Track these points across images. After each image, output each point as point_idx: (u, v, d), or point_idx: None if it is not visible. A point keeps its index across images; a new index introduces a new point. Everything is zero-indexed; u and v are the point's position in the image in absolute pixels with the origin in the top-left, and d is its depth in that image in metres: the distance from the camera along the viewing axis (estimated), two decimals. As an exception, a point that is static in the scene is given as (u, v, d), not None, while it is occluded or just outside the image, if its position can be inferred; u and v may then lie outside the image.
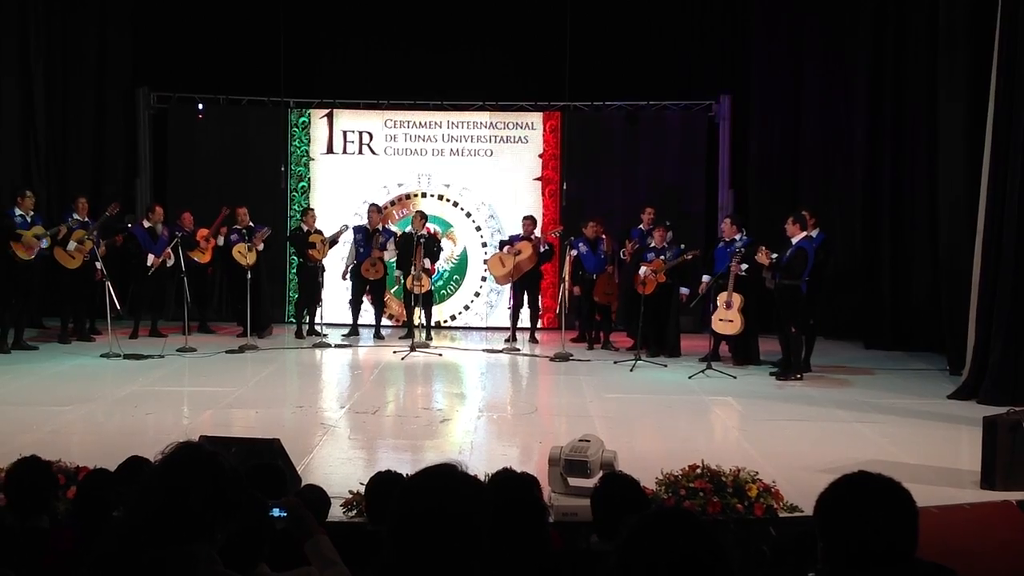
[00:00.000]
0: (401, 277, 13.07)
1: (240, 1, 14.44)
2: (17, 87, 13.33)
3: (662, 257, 11.59)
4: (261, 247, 12.76)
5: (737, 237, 11.39)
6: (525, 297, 12.97)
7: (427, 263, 12.79)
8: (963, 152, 10.62)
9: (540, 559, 3.58)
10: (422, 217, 13.13)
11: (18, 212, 11.42)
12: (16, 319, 11.51)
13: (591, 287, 12.41)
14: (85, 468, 5.42)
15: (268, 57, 14.22)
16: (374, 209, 13.49)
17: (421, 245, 12.54)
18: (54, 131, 14.01)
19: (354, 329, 13.29)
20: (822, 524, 2.44)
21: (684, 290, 11.10)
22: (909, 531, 2.39)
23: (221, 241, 12.99)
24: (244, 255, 12.44)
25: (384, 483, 4.24)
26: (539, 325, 13.29)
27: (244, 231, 12.80)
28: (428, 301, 13.23)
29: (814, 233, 11.02)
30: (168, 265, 12.59)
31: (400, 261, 13.08)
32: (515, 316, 12.98)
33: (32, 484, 4.04)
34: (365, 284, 13.17)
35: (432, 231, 13.34)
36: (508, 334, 12.82)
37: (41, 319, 12.71)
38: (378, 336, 13.21)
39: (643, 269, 11.65)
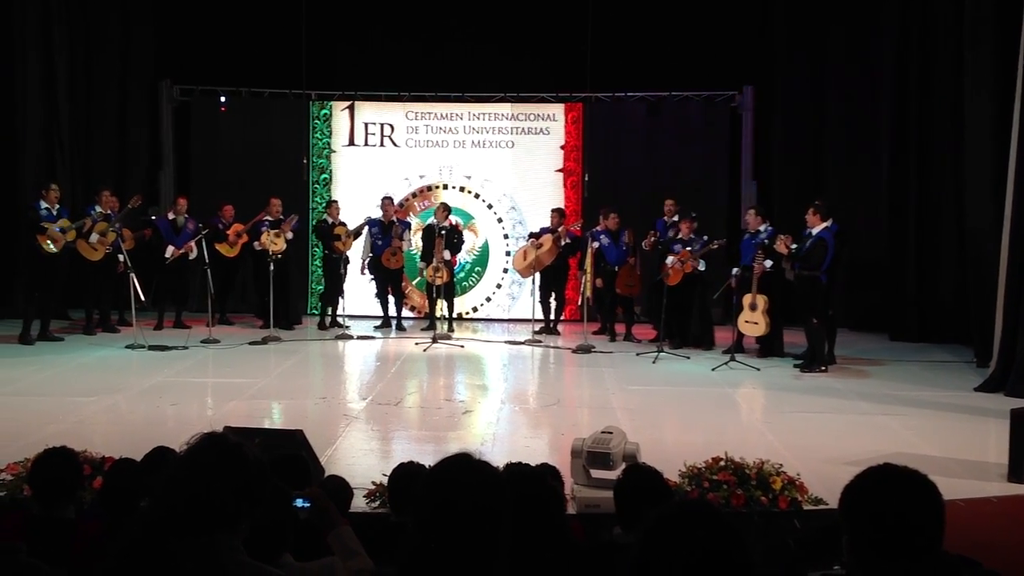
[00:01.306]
0: (424, 269, 13.08)
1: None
2: (41, 81, 13.42)
3: (689, 248, 11.54)
4: (290, 235, 12.81)
5: (762, 228, 11.32)
6: (553, 290, 13.00)
7: (447, 255, 12.79)
8: (989, 143, 10.51)
9: (562, 551, 3.58)
10: (445, 209, 13.13)
11: (43, 205, 11.50)
12: (41, 311, 11.59)
13: (613, 279, 12.39)
14: (111, 458, 5.45)
15: (290, 50, 14.29)
16: (388, 201, 13.52)
17: (442, 237, 12.56)
18: (78, 124, 14.09)
19: (386, 321, 13.32)
20: (847, 517, 2.42)
21: (768, 263, 10.88)
22: (935, 524, 2.37)
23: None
24: (272, 241, 12.45)
25: (407, 474, 4.25)
26: (562, 317, 13.29)
27: (274, 222, 12.85)
28: (450, 293, 13.23)
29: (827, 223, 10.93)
30: (190, 258, 12.67)
31: (424, 252, 13.12)
32: (546, 307, 12.99)
33: (58, 474, 4.06)
34: (387, 275, 13.19)
35: (454, 223, 13.33)
36: (533, 326, 12.74)
37: (67, 311, 12.79)
38: (399, 328, 13.22)
39: (670, 259, 11.61)
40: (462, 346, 11.88)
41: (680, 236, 11.78)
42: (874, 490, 2.40)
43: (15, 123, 13.17)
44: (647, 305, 12.47)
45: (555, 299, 13.15)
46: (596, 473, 5.65)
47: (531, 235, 13.23)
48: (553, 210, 13.31)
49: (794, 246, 10.35)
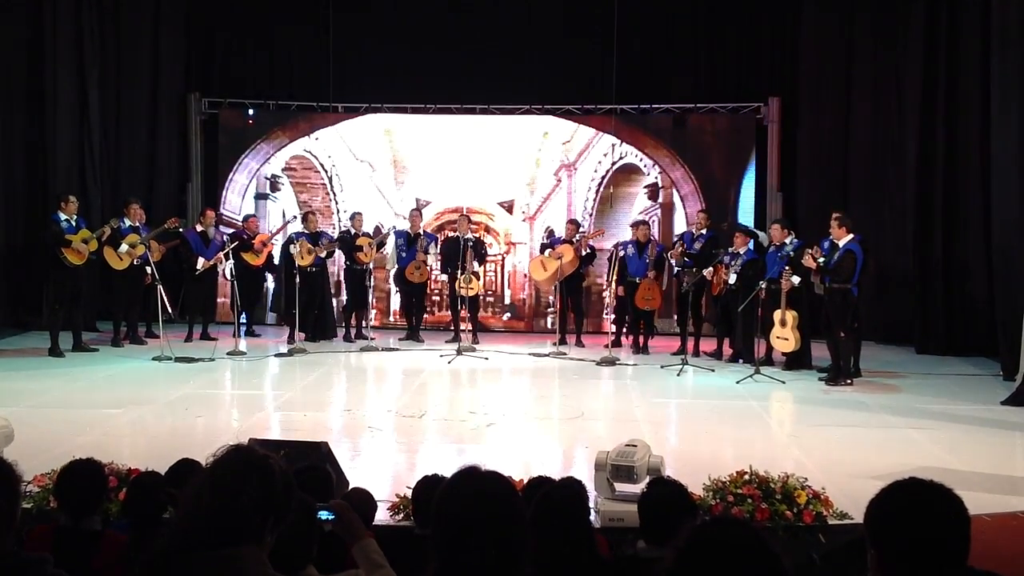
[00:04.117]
0: (448, 280, 13.11)
1: (289, 8, 14.58)
2: (72, 95, 13.56)
3: (728, 264, 11.53)
4: (323, 254, 12.88)
5: (787, 241, 11.28)
6: (569, 301, 12.99)
7: (476, 265, 12.85)
8: (1016, 153, 10.44)
9: (587, 565, 3.57)
10: (468, 220, 13.18)
11: (63, 217, 11.57)
12: (70, 323, 11.68)
13: (634, 291, 12.38)
14: (136, 470, 5.49)
15: (317, 63, 14.40)
16: (417, 213, 13.59)
17: (470, 248, 12.61)
18: (108, 137, 14.22)
19: (411, 332, 13.35)
20: (872, 531, 2.41)
21: (796, 279, 10.88)
22: (961, 538, 2.36)
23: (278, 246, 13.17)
24: (302, 256, 12.49)
25: (430, 487, 4.26)
26: (583, 329, 13.28)
27: (311, 235, 12.93)
28: (475, 305, 13.25)
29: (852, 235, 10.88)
30: (220, 269, 12.78)
31: (445, 264, 13.16)
32: (562, 320, 12.98)
33: (84, 486, 4.09)
34: (411, 289, 13.24)
35: (478, 234, 13.38)
36: (555, 338, 12.77)
37: (95, 323, 12.89)
38: (417, 339, 13.22)
39: (709, 270, 11.65)
40: (486, 358, 11.89)
41: (732, 249, 11.76)
42: (900, 504, 2.39)
43: (46, 136, 13.31)
44: (714, 316, 12.39)
45: (573, 310, 13.12)
46: (620, 486, 5.63)
47: (543, 246, 13.25)
48: (569, 221, 13.37)
49: (821, 259, 10.29)
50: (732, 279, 11.50)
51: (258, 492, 2.38)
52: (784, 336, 10.80)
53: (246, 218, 13.76)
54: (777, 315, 10.81)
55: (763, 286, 10.98)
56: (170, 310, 11.64)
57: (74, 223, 11.63)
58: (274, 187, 14.95)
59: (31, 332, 12.59)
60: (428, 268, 13.30)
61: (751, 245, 11.98)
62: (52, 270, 11.56)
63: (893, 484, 2.45)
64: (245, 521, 2.37)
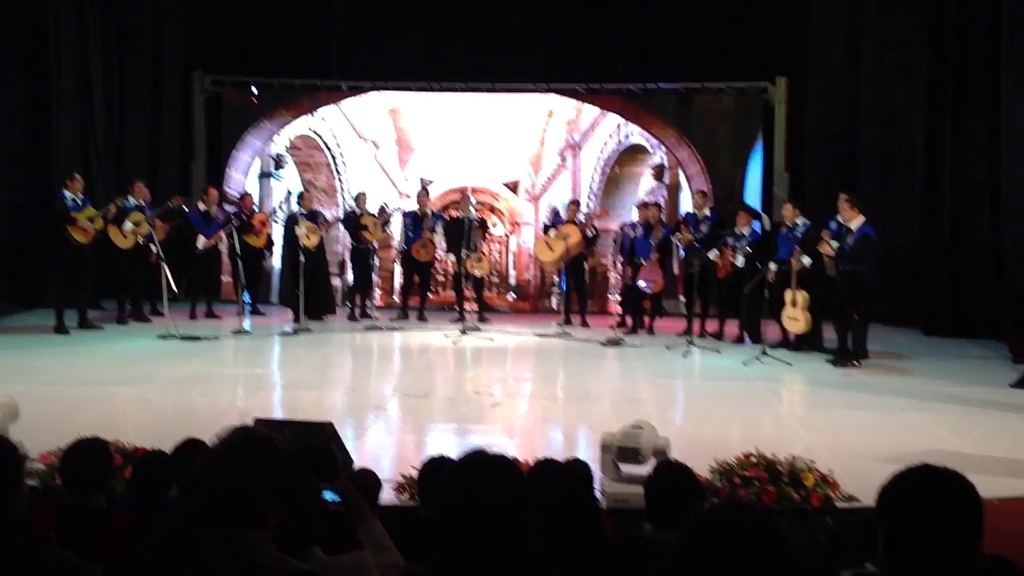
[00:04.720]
0: (454, 261, 13.08)
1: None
2: (75, 73, 13.51)
3: (735, 245, 11.50)
4: (325, 233, 12.89)
5: (799, 221, 11.23)
6: (572, 282, 12.97)
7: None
8: (1026, 134, 10.36)
9: (592, 548, 3.56)
10: (470, 200, 13.16)
11: (68, 195, 11.54)
12: (75, 301, 11.67)
13: (638, 272, 12.35)
14: (142, 448, 5.48)
15: (321, 39, 14.32)
16: (424, 193, 13.56)
17: (477, 227, 12.60)
18: (111, 115, 14.18)
19: (403, 312, 13.34)
20: (884, 517, 2.39)
21: (806, 260, 10.84)
22: (973, 525, 2.34)
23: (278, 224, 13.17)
24: (308, 236, 12.51)
25: (436, 468, 4.23)
26: (587, 309, 13.25)
27: (309, 214, 12.90)
28: (479, 285, 13.24)
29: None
30: (221, 248, 12.78)
31: (450, 245, 13.14)
32: (567, 301, 12.95)
33: (89, 465, 4.08)
34: (416, 267, 13.22)
35: (481, 213, 13.37)
36: (560, 318, 12.76)
37: (99, 301, 12.89)
38: (422, 319, 13.21)
39: (712, 253, 11.60)
40: (491, 338, 11.87)
41: (736, 229, 11.72)
42: (912, 491, 2.37)
43: (49, 115, 13.26)
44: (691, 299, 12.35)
45: (576, 290, 13.10)
46: (626, 468, 5.61)
47: (546, 227, 13.23)
48: (571, 202, 13.33)
49: (835, 244, 10.20)
50: (740, 261, 11.47)
51: (262, 474, 2.37)
52: (795, 316, 10.76)
53: (241, 196, 13.75)
54: (788, 295, 10.76)
55: (772, 268, 10.95)
56: (174, 288, 11.62)
57: (79, 201, 11.58)
58: (278, 166, 14.92)
59: (36, 310, 12.58)
60: (434, 247, 13.29)
61: (755, 225, 11.94)
62: (57, 248, 11.53)
63: (905, 470, 2.43)
64: (250, 502, 2.36)
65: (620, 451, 5.55)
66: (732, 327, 11.91)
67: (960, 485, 2.37)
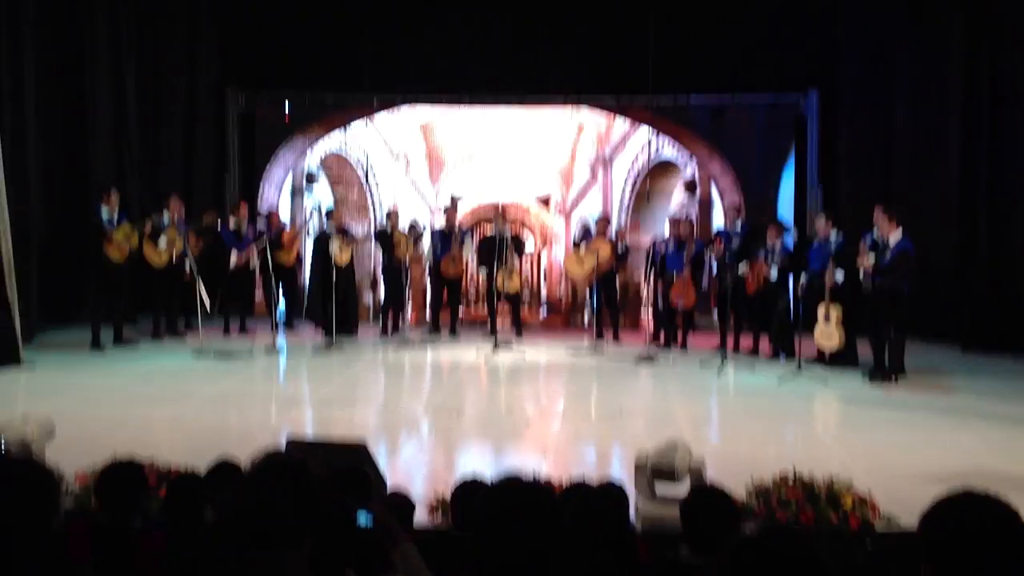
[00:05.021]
0: (484, 276, 13.11)
1: (325, 2, 14.56)
2: (110, 89, 13.66)
3: (768, 258, 11.42)
4: (355, 249, 12.98)
5: (832, 235, 11.13)
6: (604, 297, 12.92)
7: (515, 261, 12.88)
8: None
9: (628, 573, 3.51)
10: (504, 216, 13.17)
11: (104, 211, 11.63)
12: (109, 317, 11.76)
13: (670, 287, 12.30)
14: (176, 468, 5.48)
15: (352, 55, 14.39)
16: (452, 208, 13.61)
17: (511, 244, 12.61)
18: (146, 131, 14.33)
19: (434, 327, 13.35)
20: (928, 543, 2.34)
21: (840, 274, 10.65)
22: (1017, 552, 2.29)
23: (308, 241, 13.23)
24: (340, 253, 12.55)
25: (470, 491, 4.20)
26: (619, 325, 13.19)
27: (339, 230, 12.95)
28: (516, 302, 13.26)
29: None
30: (252, 265, 12.86)
31: (482, 261, 13.15)
32: (599, 316, 12.90)
33: (125, 486, 4.08)
34: (445, 282, 13.23)
35: (515, 230, 13.37)
36: (592, 334, 12.72)
37: (135, 317, 12.98)
38: (453, 334, 13.21)
39: (742, 268, 11.53)
40: (523, 355, 11.84)
41: (768, 244, 11.64)
42: (955, 517, 2.33)
43: (85, 131, 13.41)
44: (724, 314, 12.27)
45: (608, 306, 13.04)
46: (660, 488, 5.55)
47: (576, 242, 13.21)
48: (601, 217, 13.31)
49: (872, 257, 10.08)
50: (774, 274, 11.39)
51: (297, 497, 2.37)
52: (828, 332, 10.66)
53: (269, 214, 13.84)
54: (821, 310, 10.66)
55: (803, 282, 10.88)
56: (208, 304, 11.70)
57: (116, 218, 11.69)
58: (310, 181, 15.00)
59: (72, 326, 12.68)
60: (463, 262, 13.30)
61: (787, 239, 11.87)
62: (94, 265, 11.63)
63: (949, 495, 2.38)
64: (284, 526, 2.36)
65: (655, 470, 5.49)
66: (767, 343, 11.80)
67: (1004, 511, 2.33)
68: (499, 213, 13.33)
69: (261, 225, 13.55)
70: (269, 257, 12.31)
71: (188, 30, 14.64)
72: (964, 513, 2.34)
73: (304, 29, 14.63)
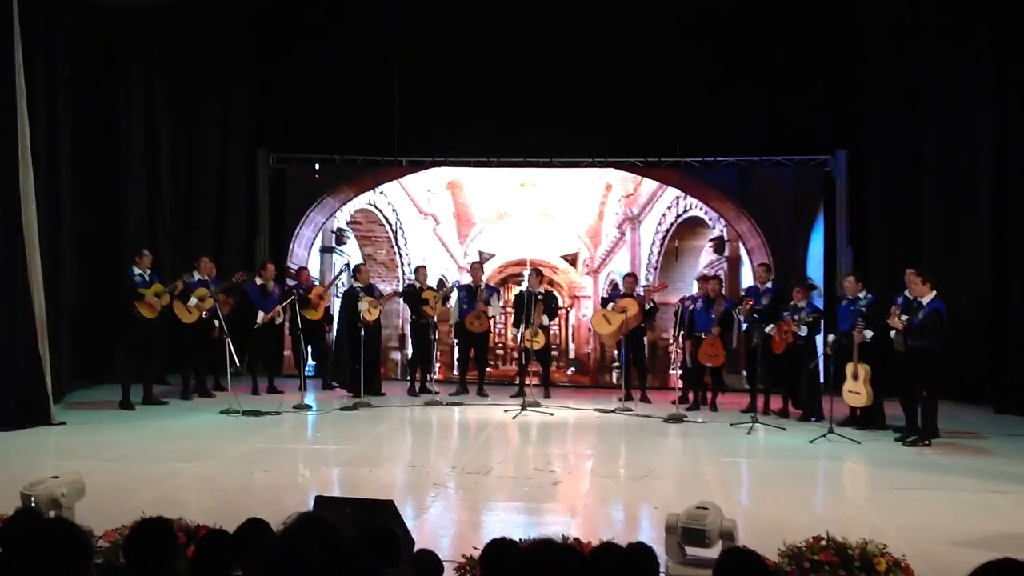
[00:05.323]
0: (517, 335, 13.15)
1: (355, 65, 14.78)
2: (143, 150, 13.89)
3: (795, 317, 11.39)
4: (382, 306, 13.06)
5: (861, 295, 11.10)
6: (632, 356, 12.88)
7: (545, 319, 12.89)
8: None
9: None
10: (538, 274, 13.23)
11: (136, 271, 11.78)
12: (142, 376, 11.85)
13: (698, 346, 12.25)
14: (204, 526, 5.48)
15: (383, 118, 14.58)
16: (478, 266, 13.69)
17: (541, 302, 12.64)
18: (178, 192, 14.53)
19: (463, 387, 13.34)
20: None
21: (868, 333, 10.65)
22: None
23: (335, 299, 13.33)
24: (369, 311, 12.61)
25: (499, 552, 4.17)
26: (647, 384, 13.12)
27: (365, 288, 13.02)
28: (547, 359, 13.26)
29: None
30: (277, 323, 12.95)
31: (516, 318, 13.20)
32: (627, 375, 12.85)
33: (154, 546, 4.08)
34: (471, 340, 13.24)
35: (548, 288, 13.42)
36: (620, 394, 12.65)
37: (165, 375, 13.06)
38: (481, 393, 13.20)
39: (770, 328, 11.50)
40: (551, 413, 11.80)
41: (792, 303, 11.62)
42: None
43: (118, 192, 13.62)
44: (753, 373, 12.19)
45: (635, 365, 12.99)
46: (691, 551, 5.49)
47: (604, 300, 13.23)
48: (627, 275, 13.35)
49: (905, 317, 10.04)
50: (803, 331, 11.34)
51: (328, 562, 2.36)
52: (856, 391, 10.58)
53: (298, 270, 13.97)
54: (849, 369, 10.59)
55: (832, 341, 10.86)
56: (237, 363, 11.78)
57: (147, 277, 11.82)
58: (340, 240, 15.13)
59: (103, 385, 12.78)
60: (489, 319, 13.32)
61: (815, 299, 11.86)
62: (125, 323, 11.75)
63: (987, 564, 2.34)
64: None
65: (685, 532, 5.43)
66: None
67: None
68: (532, 271, 13.39)
69: (290, 281, 13.66)
70: (298, 314, 12.39)
71: (221, 92, 14.88)
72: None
73: (335, 92, 14.84)
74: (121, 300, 11.74)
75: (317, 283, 13.92)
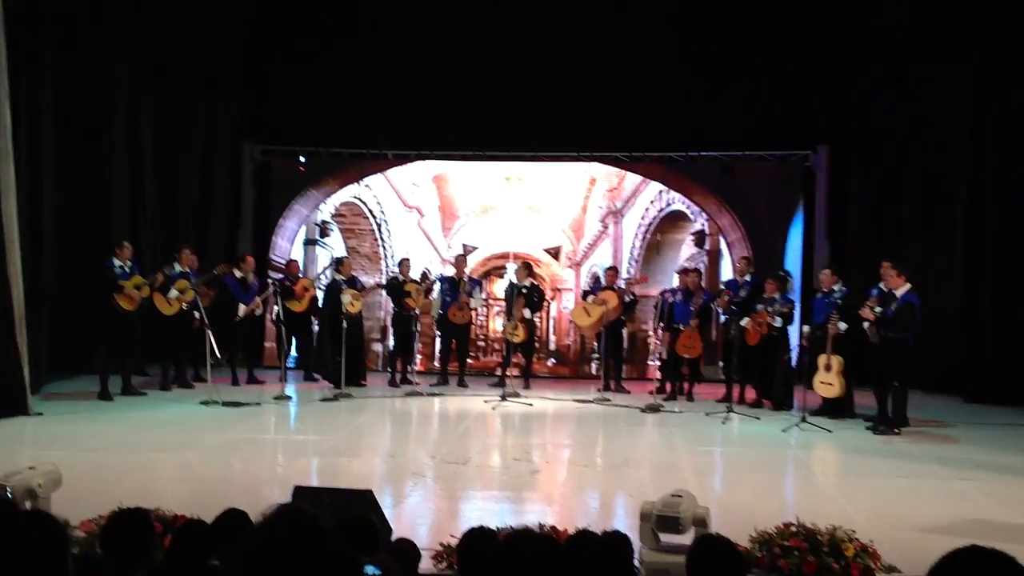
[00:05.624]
0: (500, 328, 13.26)
1: (342, 58, 14.79)
2: (126, 140, 13.83)
3: (768, 308, 11.51)
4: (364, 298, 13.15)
5: (836, 288, 11.24)
6: (611, 346, 12.98)
7: (527, 313, 12.95)
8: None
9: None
10: (526, 267, 13.31)
11: (116, 263, 11.77)
12: (120, 367, 11.85)
13: (677, 338, 12.37)
14: (182, 516, 5.53)
15: (368, 110, 14.60)
16: (461, 258, 13.74)
17: (523, 295, 12.72)
18: (161, 183, 14.46)
19: (443, 378, 13.40)
20: None
21: (842, 325, 10.77)
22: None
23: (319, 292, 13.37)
24: (352, 303, 12.67)
25: (477, 540, 4.24)
26: (623, 376, 13.24)
27: (348, 281, 13.08)
28: (528, 351, 13.35)
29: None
30: (257, 314, 13.00)
31: (506, 311, 13.31)
32: (606, 366, 12.96)
33: (131, 536, 4.11)
34: (453, 331, 13.31)
35: (534, 281, 13.50)
36: (599, 384, 12.77)
37: (144, 367, 13.07)
38: (462, 384, 13.27)
39: (745, 320, 11.62)
40: (531, 404, 11.88)
41: (765, 295, 11.74)
42: (964, 573, 2.35)
43: (101, 183, 13.56)
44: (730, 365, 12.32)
45: (613, 356, 13.10)
46: (665, 537, 5.58)
47: (585, 293, 13.33)
48: (608, 268, 13.45)
49: (878, 309, 10.18)
50: (778, 322, 11.47)
51: (308, 554, 2.40)
52: (828, 381, 10.72)
53: (288, 263, 14.07)
54: (822, 360, 10.73)
55: (805, 332, 11.00)
56: (218, 354, 11.80)
57: (127, 269, 11.82)
58: (323, 233, 15.15)
59: (81, 376, 12.77)
60: (471, 311, 13.40)
61: (789, 290, 12.03)
62: (104, 315, 11.73)
63: (954, 552, 2.39)
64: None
65: (659, 520, 5.52)
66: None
67: (1011, 568, 2.35)
68: (521, 264, 13.46)
69: (280, 274, 13.72)
70: (281, 305, 12.42)
71: (206, 83, 14.84)
72: (972, 570, 2.36)
73: (321, 85, 14.85)
74: (101, 292, 11.71)
75: (304, 277, 13.97)
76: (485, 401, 11.88)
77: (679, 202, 14.69)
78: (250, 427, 10.29)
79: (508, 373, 12.96)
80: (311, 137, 14.94)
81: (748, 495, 7.70)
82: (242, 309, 12.87)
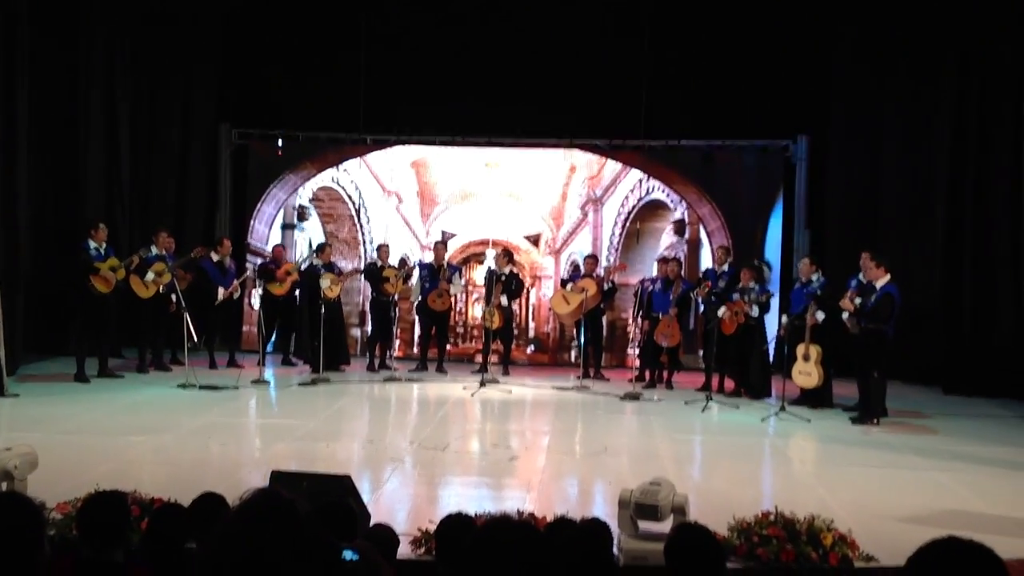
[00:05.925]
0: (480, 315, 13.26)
1: (321, 41, 14.70)
2: (104, 123, 13.69)
3: (745, 298, 11.54)
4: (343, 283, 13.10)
5: (814, 278, 11.27)
6: (590, 334, 12.99)
7: (504, 300, 12.94)
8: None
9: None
10: (506, 254, 13.29)
11: (92, 245, 11.66)
12: (95, 349, 11.75)
13: (656, 326, 12.38)
14: (159, 499, 5.49)
15: (347, 94, 14.51)
16: (441, 245, 13.70)
17: (501, 282, 12.70)
18: (138, 166, 14.35)
19: (423, 364, 13.38)
20: None
21: (820, 315, 10.80)
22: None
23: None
24: (331, 288, 12.64)
25: (455, 526, 4.22)
26: (602, 363, 13.25)
27: (327, 266, 13.03)
28: (507, 338, 13.33)
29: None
30: (235, 297, 12.94)
31: (485, 297, 13.30)
32: (585, 354, 12.97)
33: (107, 518, 4.08)
34: (432, 318, 13.28)
35: (514, 269, 13.49)
36: (579, 372, 12.79)
37: (120, 350, 12.97)
38: (441, 370, 13.25)
39: (722, 310, 11.63)
40: (510, 391, 11.87)
41: (740, 285, 11.76)
42: (938, 565, 2.35)
43: (76, 165, 13.42)
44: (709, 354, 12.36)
45: (593, 344, 13.11)
46: (644, 525, 5.58)
47: (564, 281, 13.34)
48: (588, 256, 13.45)
49: (858, 300, 10.21)
50: (755, 312, 11.50)
51: (285, 539, 2.38)
52: (807, 371, 10.76)
53: (275, 248, 14.02)
54: (800, 350, 10.77)
55: (785, 322, 11.03)
56: (195, 337, 11.73)
57: (103, 251, 11.71)
58: (301, 217, 15.07)
59: (58, 358, 12.67)
60: (451, 297, 13.37)
61: (768, 279, 12.07)
62: (80, 298, 11.63)
63: (931, 543, 2.39)
64: (271, 566, 2.36)
65: (638, 508, 5.52)
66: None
67: (988, 559, 2.35)
68: (501, 251, 13.44)
69: (252, 258, 13.64)
70: (261, 289, 12.37)
71: (183, 66, 14.71)
72: (950, 561, 2.35)
73: (299, 68, 14.75)
74: (76, 274, 11.61)
75: (289, 262, 13.91)
76: (464, 387, 11.86)
77: (659, 191, 14.70)
78: (227, 411, 10.23)
79: (489, 360, 12.94)
80: (289, 121, 14.84)
81: (727, 483, 7.72)
82: (221, 293, 12.80)
